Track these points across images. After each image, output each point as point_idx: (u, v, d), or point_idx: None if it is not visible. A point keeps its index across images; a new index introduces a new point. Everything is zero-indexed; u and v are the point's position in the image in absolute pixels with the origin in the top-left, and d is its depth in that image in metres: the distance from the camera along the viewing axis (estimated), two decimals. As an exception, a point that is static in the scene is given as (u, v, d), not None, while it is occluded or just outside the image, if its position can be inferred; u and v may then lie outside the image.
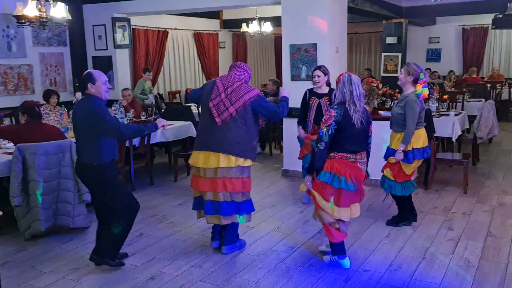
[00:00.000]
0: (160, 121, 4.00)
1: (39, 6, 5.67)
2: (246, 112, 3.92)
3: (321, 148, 3.62)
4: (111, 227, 3.81)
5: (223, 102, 3.90)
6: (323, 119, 3.66)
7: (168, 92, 11.07)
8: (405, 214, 4.73)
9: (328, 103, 5.01)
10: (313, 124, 5.12)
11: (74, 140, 5.14)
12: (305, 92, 5.28)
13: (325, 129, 3.60)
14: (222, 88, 3.95)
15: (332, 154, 3.68)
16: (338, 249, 3.85)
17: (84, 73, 3.76)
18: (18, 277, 3.83)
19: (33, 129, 4.60)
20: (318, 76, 5.05)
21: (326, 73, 5.07)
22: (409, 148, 4.46)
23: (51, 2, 5.76)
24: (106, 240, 3.87)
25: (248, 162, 4.03)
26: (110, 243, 3.86)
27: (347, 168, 3.65)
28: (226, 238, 4.18)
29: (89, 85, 3.63)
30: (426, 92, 4.47)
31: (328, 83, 5.12)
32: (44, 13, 5.71)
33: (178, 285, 3.64)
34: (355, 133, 3.64)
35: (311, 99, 5.15)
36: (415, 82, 4.41)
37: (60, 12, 5.82)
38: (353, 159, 3.68)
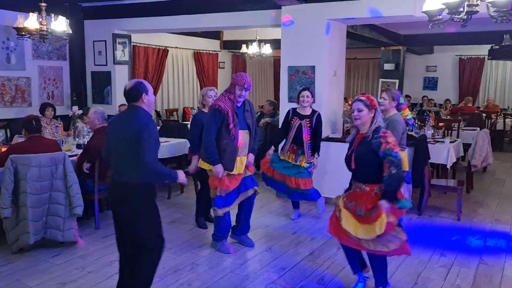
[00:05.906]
0: (181, 174, 3.50)
1: (40, 19, 5.72)
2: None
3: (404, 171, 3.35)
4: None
5: None
6: (391, 142, 3.26)
7: (165, 109, 11.11)
8: None
9: (309, 125, 5.13)
10: (292, 144, 5.24)
11: (68, 152, 5.16)
12: (288, 111, 5.40)
13: (399, 149, 3.36)
14: None
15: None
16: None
17: (134, 82, 3.26)
18: (3, 289, 3.76)
19: (29, 145, 4.53)
20: (307, 96, 5.17)
21: (313, 95, 5.21)
22: None
23: (53, 15, 5.81)
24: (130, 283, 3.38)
25: (207, 166, 4.37)
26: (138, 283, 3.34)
27: None
28: None
29: (143, 95, 3.23)
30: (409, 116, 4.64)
31: (310, 105, 5.27)
32: (45, 26, 5.76)
33: (165, 303, 3.59)
34: None
35: (293, 119, 5.25)
36: (397, 107, 4.53)
37: (61, 26, 5.86)
38: None
